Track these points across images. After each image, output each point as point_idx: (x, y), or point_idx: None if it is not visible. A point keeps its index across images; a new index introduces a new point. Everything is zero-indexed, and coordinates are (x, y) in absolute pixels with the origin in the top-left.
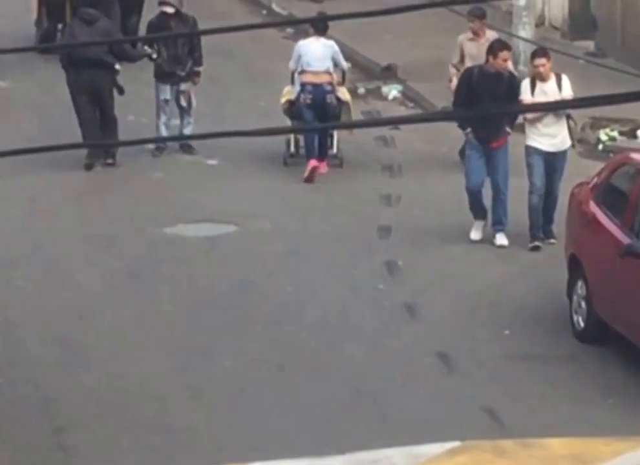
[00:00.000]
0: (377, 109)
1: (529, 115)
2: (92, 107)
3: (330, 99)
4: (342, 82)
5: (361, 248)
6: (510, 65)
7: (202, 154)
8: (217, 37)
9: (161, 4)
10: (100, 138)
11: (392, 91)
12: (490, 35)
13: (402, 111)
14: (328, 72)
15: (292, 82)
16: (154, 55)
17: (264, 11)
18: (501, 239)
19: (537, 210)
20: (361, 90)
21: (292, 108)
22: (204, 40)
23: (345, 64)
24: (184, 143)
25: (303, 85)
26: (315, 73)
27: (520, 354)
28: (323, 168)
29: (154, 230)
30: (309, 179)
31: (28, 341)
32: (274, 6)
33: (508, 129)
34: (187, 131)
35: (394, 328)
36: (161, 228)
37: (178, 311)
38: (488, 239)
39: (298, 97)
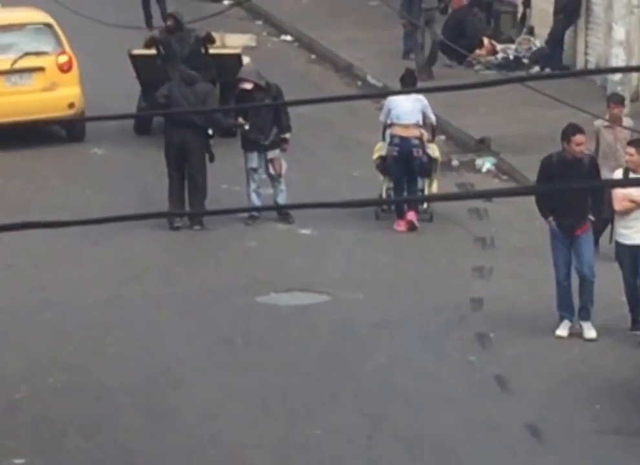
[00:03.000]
0: (470, 181)
1: (619, 207)
2: (180, 167)
3: (417, 152)
4: (432, 139)
5: (453, 319)
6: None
7: (295, 223)
8: (312, 108)
9: (240, 81)
10: (183, 201)
11: (486, 164)
12: (627, 122)
13: (495, 184)
14: (417, 125)
15: (383, 138)
16: (247, 127)
17: (360, 83)
18: (589, 332)
19: (634, 300)
20: (455, 162)
21: (384, 164)
22: (299, 110)
23: (434, 118)
24: (281, 211)
25: (392, 137)
26: (405, 126)
27: (610, 428)
28: (412, 216)
29: (246, 298)
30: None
31: (119, 406)
32: (369, 78)
33: (591, 217)
34: (281, 199)
35: (484, 400)
36: (253, 297)
37: (269, 379)
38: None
39: (388, 152)
